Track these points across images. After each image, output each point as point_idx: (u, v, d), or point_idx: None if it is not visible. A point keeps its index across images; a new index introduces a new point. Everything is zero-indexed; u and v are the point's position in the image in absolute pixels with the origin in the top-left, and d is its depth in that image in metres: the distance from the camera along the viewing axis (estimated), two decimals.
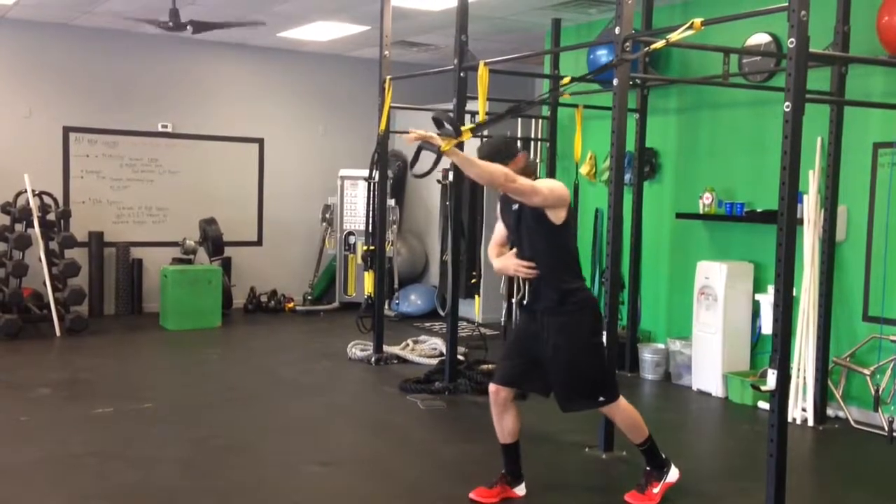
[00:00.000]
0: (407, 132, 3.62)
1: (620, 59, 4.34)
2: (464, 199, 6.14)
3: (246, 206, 9.59)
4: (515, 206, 3.80)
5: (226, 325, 8.43)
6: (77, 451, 4.54)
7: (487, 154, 3.75)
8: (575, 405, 3.90)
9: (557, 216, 3.71)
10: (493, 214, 8.14)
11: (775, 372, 3.50)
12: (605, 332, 4.21)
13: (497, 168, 3.56)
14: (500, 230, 4.01)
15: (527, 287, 3.98)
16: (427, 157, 3.58)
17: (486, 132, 6.26)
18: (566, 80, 6.54)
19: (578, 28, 7.61)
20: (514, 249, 3.92)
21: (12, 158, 8.22)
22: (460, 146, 3.61)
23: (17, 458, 4.42)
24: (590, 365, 3.81)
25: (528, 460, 4.09)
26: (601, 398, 3.86)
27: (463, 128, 3.53)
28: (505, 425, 3.91)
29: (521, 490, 3.98)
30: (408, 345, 7.28)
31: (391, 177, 8.81)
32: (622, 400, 3.92)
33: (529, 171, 3.83)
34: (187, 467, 4.35)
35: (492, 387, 3.92)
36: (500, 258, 3.95)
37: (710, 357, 6.04)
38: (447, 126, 3.54)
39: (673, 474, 3.99)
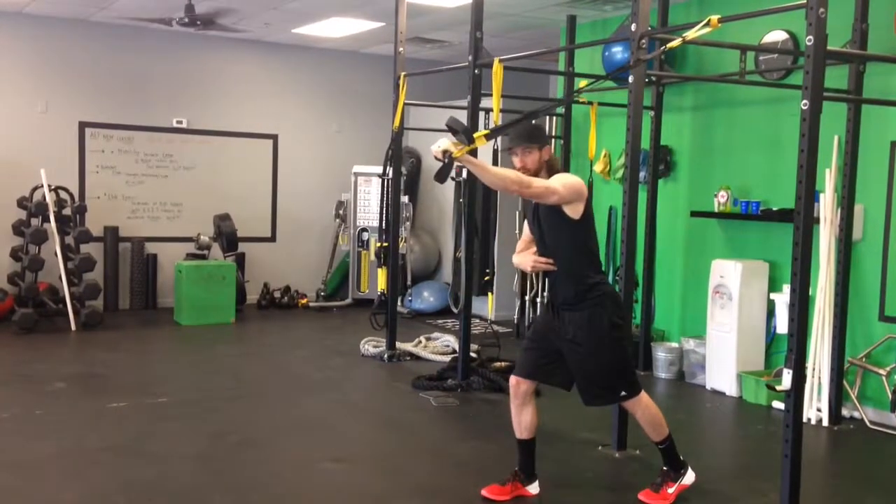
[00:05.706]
0: (420, 128, 3.65)
1: (636, 59, 4.31)
2: (477, 196, 6.14)
3: (260, 202, 9.61)
4: (534, 204, 3.81)
5: (239, 320, 8.46)
6: (92, 446, 4.57)
7: (524, 135, 3.75)
8: (597, 400, 3.90)
9: (575, 211, 3.69)
10: (506, 211, 8.21)
11: (790, 372, 3.48)
12: (625, 326, 4.05)
13: (509, 174, 3.55)
14: (528, 227, 4.00)
15: (546, 282, 3.96)
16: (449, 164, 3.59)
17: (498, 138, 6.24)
18: (583, 83, 6.52)
19: (594, 25, 7.58)
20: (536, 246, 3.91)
21: (29, 153, 8.28)
22: (473, 153, 3.60)
23: (32, 451, 4.45)
24: (610, 359, 3.78)
25: (541, 458, 4.08)
26: (623, 392, 3.85)
27: (476, 134, 3.52)
28: (523, 419, 3.89)
29: (534, 489, 3.96)
30: (420, 342, 7.28)
31: (405, 173, 8.81)
32: (644, 395, 3.90)
33: (553, 164, 3.82)
34: (202, 463, 4.37)
35: (512, 379, 3.90)
36: (520, 254, 3.97)
37: (724, 356, 6.01)
38: (461, 133, 3.54)
39: (689, 477, 3.97)
